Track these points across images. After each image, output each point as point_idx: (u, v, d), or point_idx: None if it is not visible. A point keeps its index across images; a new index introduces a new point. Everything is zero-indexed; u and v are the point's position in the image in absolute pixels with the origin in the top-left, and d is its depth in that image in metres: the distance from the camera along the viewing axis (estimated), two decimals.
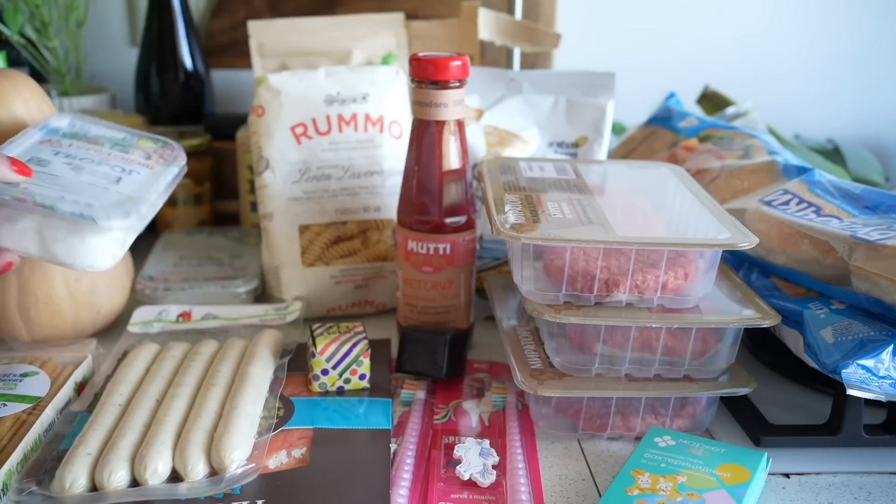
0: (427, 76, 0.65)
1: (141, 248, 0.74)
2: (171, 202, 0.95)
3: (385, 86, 0.79)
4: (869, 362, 0.54)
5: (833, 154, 0.97)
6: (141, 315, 0.73)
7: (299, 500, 0.51)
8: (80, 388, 0.63)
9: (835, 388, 0.58)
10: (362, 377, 0.65)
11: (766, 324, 0.57)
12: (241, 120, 0.98)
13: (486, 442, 0.58)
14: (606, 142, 0.79)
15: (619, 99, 1.14)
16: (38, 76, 1.02)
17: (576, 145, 0.79)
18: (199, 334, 0.70)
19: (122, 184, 0.60)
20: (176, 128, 1.01)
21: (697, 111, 1.02)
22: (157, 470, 0.51)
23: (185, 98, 1.03)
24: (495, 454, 0.57)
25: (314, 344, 0.64)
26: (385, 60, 0.87)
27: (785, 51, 1.15)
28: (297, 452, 0.56)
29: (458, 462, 0.56)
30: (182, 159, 0.66)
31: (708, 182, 0.75)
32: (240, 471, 0.52)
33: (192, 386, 0.60)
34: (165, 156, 0.65)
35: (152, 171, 0.63)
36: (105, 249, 0.59)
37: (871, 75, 1.16)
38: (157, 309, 0.74)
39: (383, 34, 0.88)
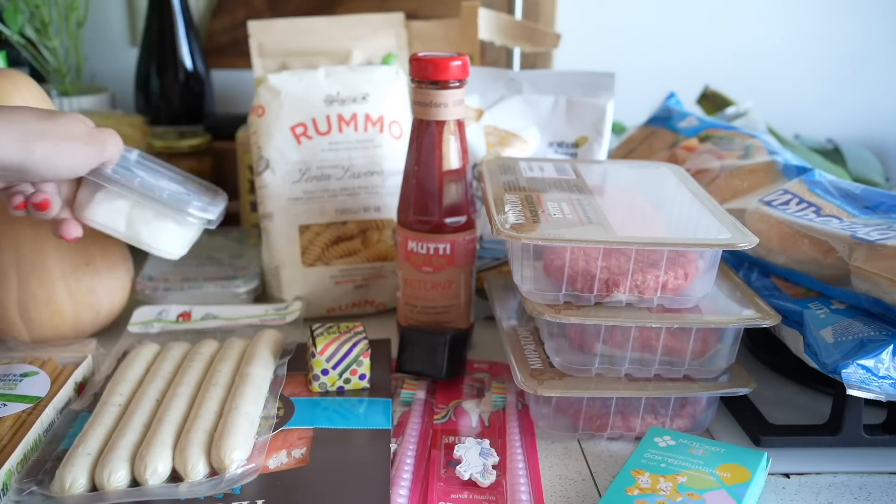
0: (427, 76, 0.65)
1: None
2: None
3: (385, 86, 0.79)
4: (869, 362, 0.54)
5: (833, 154, 0.97)
6: (141, 315, 0.73)
7: (299, 500, 0.51)
8: (80, 388, 0.63)
9: (835, 388, 0.58)
10: (362, 377, 0.65)
11: (766, 324, 0.57)
12: (241, 120, 0.98)
13: (486, 442, 0.58)
14: (606, 142, 0.79)
15: (619, 99, 1.14)
16: (38, 76, 1.02)
17: (576, 145, 0.79)
18: (199, 334, 0.70)
19: (189, 195, 0.71)
20: (176, 128, 1.01)
21: (697, 111, 1.02)
22: (157, 470, 0.51)
23: (185, 98, 1.03)
24: (495, 454, 0.57)
25: (314, 344, 0.64)
26: (385, 60, 0.87)
27: (785, 51, 1.15)
28: (297, 452, 0.56)
29: (458, 462, 0.56)
30: (225, 200, 0.75)
31: (708, 182, 0.75)
32: (240, 471, 0.52)
33: (192, 386, 0.60)
34: (212, 191, 0.75)
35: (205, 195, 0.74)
36: (182, 237, 0.69)
37: (872, 75, 1.16)
38: (157, 309, 0.74)
39: (383, 34, 0.88)
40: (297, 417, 0.60)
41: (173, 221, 0.68)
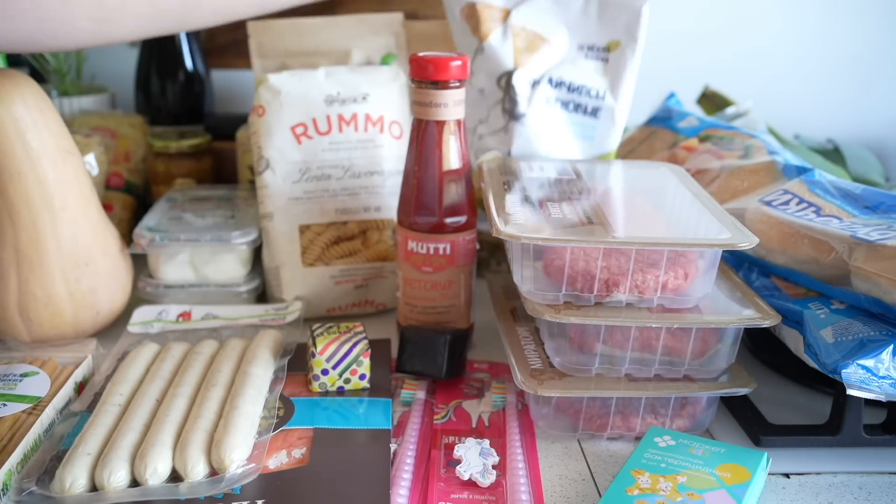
0: (427, 76, 0.65)
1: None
2: None
3: (385, 86, 0.79)
4: (869, 362, 0.54)
5: (833, 154, 0.97)
6: (141, 315, 0.73)
7: (299, 500, 0.51)
8: (80, 388, 0.63)
9: (835, 388, 0.58)
10: (362, 377, 0.65)
11: (766, 324, 0.57)
12: (241, 120, 0.98)
13: (486, 442, 0.58)
14: (640, 49, 0.76)
15: None
16: (38, 76, 1.02)
17: (607, 49, 0.76)
18: (199, 334, 0.70)
19: (234, 219, 0.82)
20: (176, 128, 1.01)
21: (697, 111, 1.02)
22: (157, 470, 0.51)
23: (185, 98, 1.03)
24: (495, 454, 0.57)
25: (314, 344, 0.64)
26: (384, 60, 0.87)
27: (785, 51, 1.15)
28: (297, 452, 0.56)
29: (458, 462, 0.56)
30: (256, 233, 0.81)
31: (708, 182, 0.75)
32: (240, 471, 0.52)
33: (192, 386, 0.60)
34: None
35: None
36: (239, 261, 0.79)
37: (872, 75, 1.16)
38: (157, 309, 0.74)
39: (383, 34, 0.88)
40: (297, 417, 0.60)
41: (227, 252, 0.78)
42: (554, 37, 0.77)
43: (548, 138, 0.76)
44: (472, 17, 0.76)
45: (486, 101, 0.77)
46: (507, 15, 0.76)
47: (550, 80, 0.76)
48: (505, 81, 0.74)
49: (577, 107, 0.76)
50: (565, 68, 0.76)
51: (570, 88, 0.76)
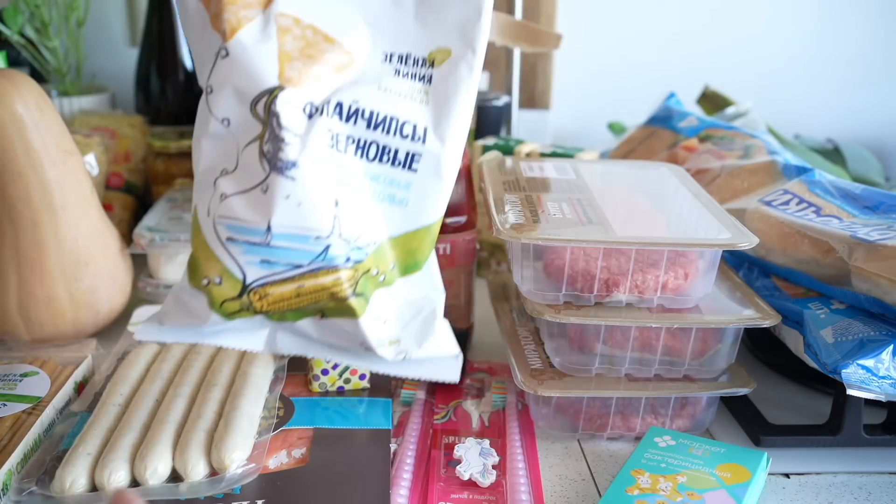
0: None
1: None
2: None
3: None
4: (869, 362, 0.54)
5: (833, 154, 0.97)
6: (141, 315, 0.73)
7: (299, 500, 0.51)
8: (80, 388, 0.63)
9: (835, 388, 0.58)
10: (362, 377, 0.65)
11: (766, 324, 0.57)
12: None
13: (486, 442, 0.58)
14: (480, 61, 0.50)
15: (619, 99, 1.14)
16: (38, 76, 1.02)
17: (431, 62, 0.49)
18: None
19: None
20: (176, 128, 1.01)
21: (697, 111, 1.02)
22: (157, 470, 0.51)
23: (185, 98, 1.03)
24: (495, 454, 0.57)
25: None
26: None
27: (785, 51, 1.15)
28: (297, 452, 0.56)
29: (458, 462, 0.56)
30: None
31: (708, 182, 0.75)
32: (240, 471, 0.52)
33: (192, 386, 0.60)
34: None
35: None
36: None
37: (872, 75, 1.16)
38: (157, 309, 0.74)
39: None
40: (297, 417, 0.60)
41: None
42: (347, 38, 0.49)
43: (332, 203, 0.47)
44: None
45: (233, 137, 0.47)
46: None
47: (340, 108, 0.48)
48: (265, 107, 0.46)
49: (383, 152, 0.49)
50: (364, 90, 0.48)
51: (372, 122, 0.48)
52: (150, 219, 0.81)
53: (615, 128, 1.09)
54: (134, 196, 0.95)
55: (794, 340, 0.60)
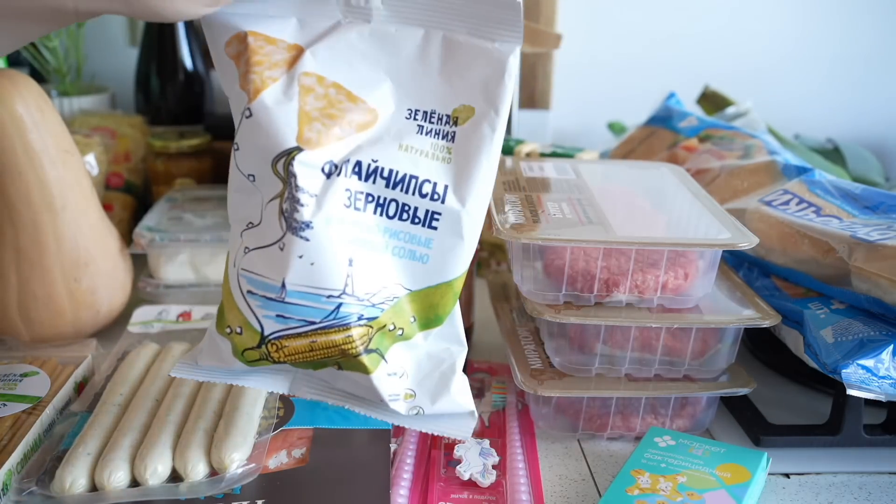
0: None
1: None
2: None
3: None
4: (869, 362, 0.54)
5: (833, 154, 0.97)
6: (141, 315, 0.73)
7: (299, 500, 0.51)
8: (80, 388, 0.63)
9: (835, 388, 0.58)
10: None
11: (766, 324, 0.57)
12: None
13: (486, 442, 0.58)
14: (503, 122, 0.49)
15: (619, 99, 1.14)
16: (38, 76, 1.02)
17: (454, 120, 0.49)
18: (199, 334, 0.70)
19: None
20: (176, 128, 1.01)
21: (697, 111, 1.02)
22: (157, 470, 0.51)
23: (185, 98, 1.03)
24: (495, 454, 0.57)
25: None
26: None
27: (785, 50, 1.15)
28: (297, 452, 0.56)
29: (458, 462, 0.56)
30: None
31: (708, 182, 0.75)
32: (240, 471, 0.52)
33: (192, 386, 0.60)
34: None
35: None
36: None
37: (872, 75, 1.16)
38: (157, 309, 0.74)
39: None
40: (297, 417, 0.60)
41: (226, 252, 0.72)
42: (371, 96, 0.48)
43: (345, 262, 0.47)
44: (242, 55, 0.47)
45: (258, 192, 0.48)
46: (297, 57, 0.48)
47: (359, 167, 0.47)
48: (284, 167, 0.46)
49: (402, 210, 0.48)
50: (385, 148, 0.48)
51: (392, 181, 0.47)
52: (150, 219, 0.81)
53: (615, 128, 1.09)
54: (134, 196, 0.95)
55: (794, 340, 0.60)
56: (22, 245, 0.66)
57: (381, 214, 0.48)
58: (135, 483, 0.51)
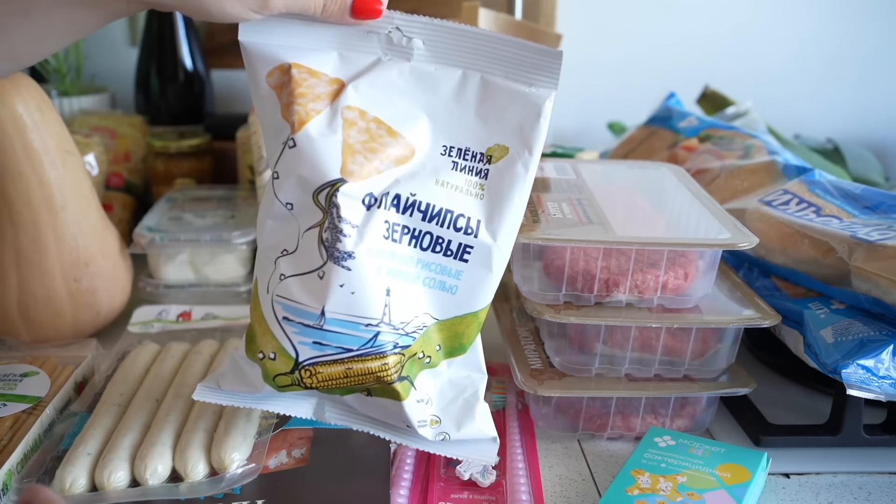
0: None
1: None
2: None
3: None
4: (869, 362, 0.54)
5: (833, 154, 0.97)
6: (141, 315, 0.73)
7: (299, 500, 0.51)
8: (80, 388, 0.63)
9: (835, 388, 0.58)
10: None
11: (766, 324, 0.57)
12: (241, 120, 0.98)
13: None
14: (536, 162, 0.51)
15: (619, 99, 1.14)
16: (38, 76, 1.02)
17: (487, 158, 0.50)
18: (199, 334, 0.70)
19: (234, 219, 0.82)
20: (176, 128, 1.01)
21: (697, 111, 1.02)
22: (157, 470, 0.51)
23: (185, 98, 1.03)
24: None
25: None
26: None
27: (785, 50, 1.15)
28: (297, 452, 0.56)
29: (458, 462, 0.56)
30: None
31: (708, 182, 0.75)
32: (240, 471, 0.52)
33: (192, 386, 0.60)
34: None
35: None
36: (237, 263, 0.79)
37: (872, 75, 1.16)
38: (157, 309, 0.74)
39: None
40: (297, 417, 0.60)
41: (226, 252, 0.78)
42: (409, 131, 0.50)
43: (384, 292, 0.49)
44: (285, 86, 0.49)
45: (295, 221, 0.49)
46: (339, 90, 0.49)
47: (398, 201, 0.49)
48: (326, 198, 0.48)
49: (437, 243, 0.50)
50: (422, 182, 0.49)
51: (428, 214, 0.49)
52: (150, 219, 0.81)
53: (615, 128, 1.09)
54: (134, 196, 0.95)
55: (794, 340, 0.60)
56: (22, 245, 0.66)
57: (415, 246, 0.50)
58: (135, 483, 0.51)
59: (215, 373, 0.53)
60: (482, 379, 0.54)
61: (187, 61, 1.01)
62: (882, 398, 0.54)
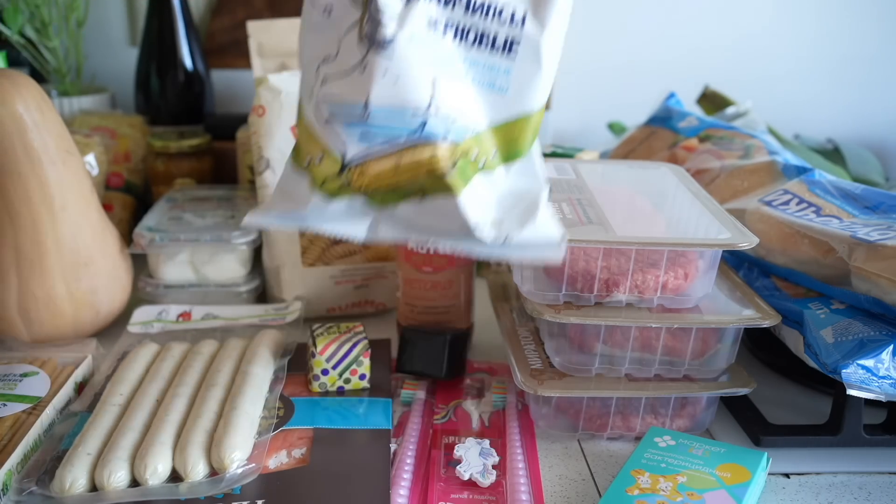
0: None
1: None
2: None
3: None
4: (869, 362, 0.54)
5: (833, 154, 0.97)
6: (141, 315, 0.73)
7: (299, 500, 0.51)
8: (80, 388, 0.63)
9: (835, 388, 0.58)
10: (362, 377, 0.65)
11: (766, 324, 0.57)
12: (241, 120, 0.98)
13: (486, 442, 0.58)
14: None
15: (619, 98, 1.14)
16: (38, 76, 1.02)
17: None
18: (199, 334, 0.70)
19: (234, 219, 0.81)
20: (176, 128, 1.01)
21: (697, 111, 1.02)
22: (157, 470, 0.51)
23: (185, 98, 1.03)
24: (495, 454, 0.57)
25: (314, 344, 0.64)
26: None
27: (785, 50, 1.15)
28: (297, 452, 0.56)
29: (458, 462, 0.56)
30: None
31: (708, 182, 0.75)
32: (240, 471, 0.52)
33: (192, 386, 0.60)
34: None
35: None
36: (239, 261, 0.79)
37: (872, 75, 1.16)
38: (157, 309, 0.74)
39: None
40: (297, 417, 0.60)
41: (226, 252, 0.78)
42: None
43: (429, 81, 0.48)
44: None
45: (334, 26, 0.49)
46: None
47: None
48: None
49: (482, 37, 0.49)
50: None
51: (470, 7, 0.49)
52: (150, 219, 0.81)
53: (615, 128, 1.09)
54: (134, 196, 0.95)
55: (794, 340, 0.60)
56: (22, 245, 0.66)
57: (460, 41, 0.49)
58: (135, 483, 0.51)
59: (265, 203, 0.53)
60: (543, 187, 0.52)
61: (187, 61, 1.01)
62: (882, 398, 0.54)
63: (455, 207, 0.49)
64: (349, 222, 0.52)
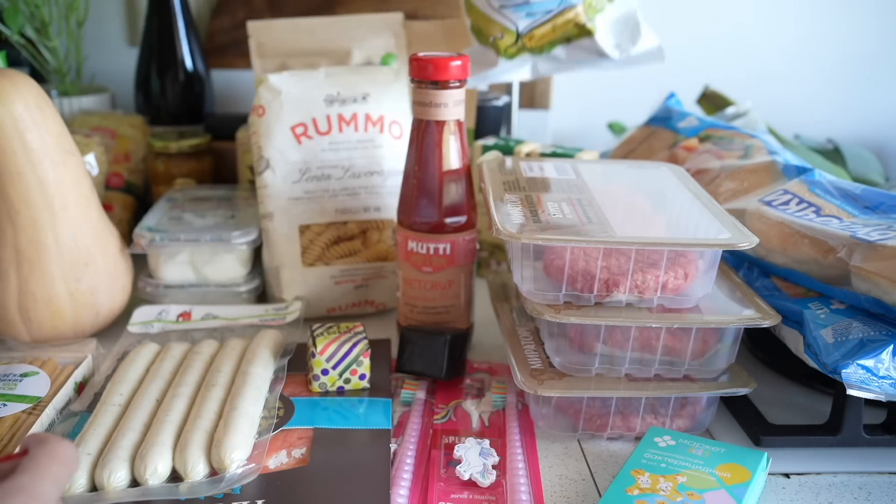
0: (427, 76, 0.65)
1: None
2: None
3: (385, 86, 0.79)
4: (869, 362, 0.54)
5: (833, 154, 0.97)
6: (141, 315, 0.73)
7: (299, 500, 0.51)
8: (80, 388, 0.63)
9: (835, 388, 0.58)
10: (362, 377, 0.65)
11: (766, 324, 0.57)
12: (241, 120, 0.98)
13: (486, 442, 0.58)
14: None
15: (619, 98, 1.14)
16: (38, 76, 1.02)
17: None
18: (199, 334, 0.70)
19: (234, 219, 0.82)
20: (176, 128, 1.01)
21: (697, 111, 1.02)
22: (157, 470, 0.51)
23: (185, 98, 1.03)
24: (495, 454, 0.57)
25: (314, 344, 0.64)
26: (384, 60, 0.87)
27: (785, 50, 1.15)
28: (297, 452, 0.56)
29: (458, 462, 0.56)
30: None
31: (708, 182, 0.75)
32: (240, 471, 0.52)
33: (192, 386, 0.60)
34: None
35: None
36: (239, 260, 0.79)
37: (872, 75, 1.16)
38: (157, 309, 0.74)
39: (383, 34, 0.88)
40: (297, 417, 0.60)
41: (226, 252, 0.78)
42: None
43: None
44: None
45: None
46: None
47: None
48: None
49: None
50: None
51: None
52: (150, 219, 0.81)
53: (615, 128, 1.09)
54: (134, 196, 0.95)
55: (794, 340, 0.60)
56: (22, 245, 0.66)
57: None
58: (135, 483, 0.51)
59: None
60: (636, 5, 0.80)
61: (187, 61, 1.01)
62: (882, 398, 0.54)
63: (593, 43, 0.78)
64: (519, 70, 0.81)
